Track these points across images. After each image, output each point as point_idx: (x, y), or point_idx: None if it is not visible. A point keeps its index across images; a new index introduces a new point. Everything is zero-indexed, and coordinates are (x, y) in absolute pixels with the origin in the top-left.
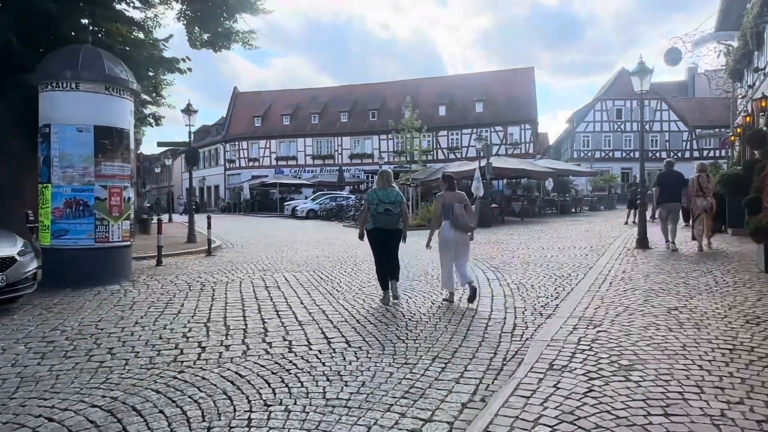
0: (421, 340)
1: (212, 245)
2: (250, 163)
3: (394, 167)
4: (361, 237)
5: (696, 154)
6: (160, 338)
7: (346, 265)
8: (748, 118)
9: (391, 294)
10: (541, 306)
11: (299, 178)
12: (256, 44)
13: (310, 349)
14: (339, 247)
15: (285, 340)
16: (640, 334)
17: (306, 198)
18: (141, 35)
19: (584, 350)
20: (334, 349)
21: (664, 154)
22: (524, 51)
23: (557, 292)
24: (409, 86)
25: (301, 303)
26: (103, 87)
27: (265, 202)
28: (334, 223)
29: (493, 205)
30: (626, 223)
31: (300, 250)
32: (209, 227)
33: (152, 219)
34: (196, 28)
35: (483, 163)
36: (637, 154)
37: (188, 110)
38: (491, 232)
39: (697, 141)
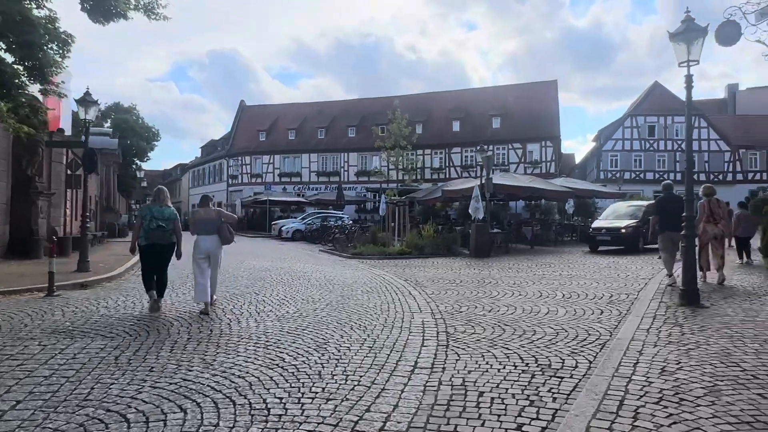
0: None
1: (107, 274)
2: (253, 179)
3: (400, 186)
4: (132, 251)
5: (740, 176)
6: None
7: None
8: None
9: (155, 301)
10: None
11: (302, 195)
12: (165, 14)
13: None
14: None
15: None
16: None
17: (303, 217)
18: None
19: None
20: None
21: (703, 176)
22: (555, 74)
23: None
24: (423, 99)
25: None
26: None
27: (257, 220)
28: (317, 246)
29: (495, 230)
30: (660, 257)
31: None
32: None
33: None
34: None
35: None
36: (672, 176)
37: (85, 101)
38: (484, 266)
39: (741, 162)
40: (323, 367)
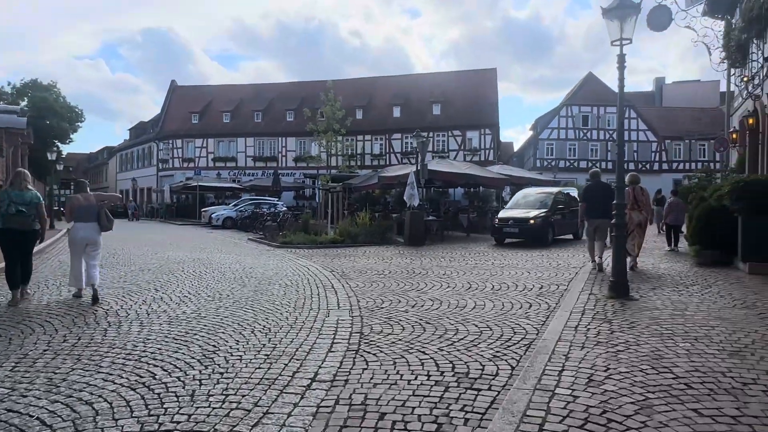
0: None
1: None
2: (185, 164)
3: (340, 172)
4: None
5: (665, 166)
6: None
7: None
8: (751, 120)
9: (20, 294)
10: None
11: (238, 181)
12: None
13: None
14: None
15: None
16: None
17: (235, 203)
18: None
19: None
20: None
21: (632, 165)
22: (495, 64)
23: None
24: (363, 84)
25: None
26: None
27: (188, 207)
28: (248, 234)
29: (430, 217)
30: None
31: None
32: None
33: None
34: None
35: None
36: (604, 165)
37: None
38: (417, 255)
39: (666, 152)
40: (200, 384)
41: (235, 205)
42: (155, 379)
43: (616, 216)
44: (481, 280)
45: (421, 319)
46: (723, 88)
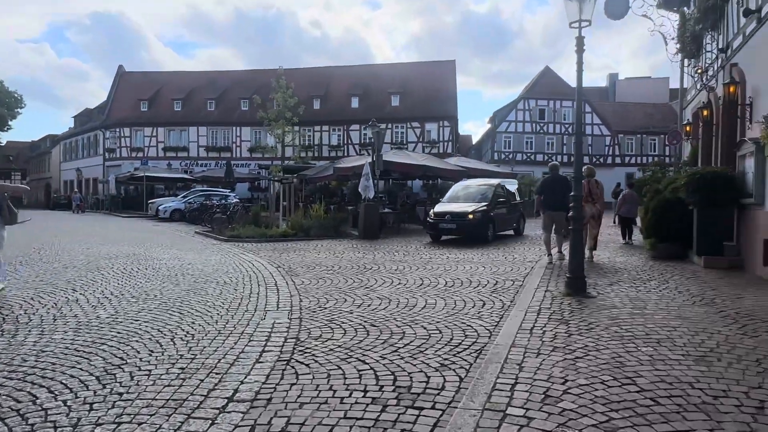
0: None
1: None
2: (133, 153)
3: (290, 162)
4: None
5: (618, 160)
6: None
7: None
8: (705, 112)
9: None
10: None
11: (189, 172)
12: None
13: None
14: None
15: None
16: None
17: (184, 195)
18: None
19: None
20: None
21: (586, 159)
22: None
23: None
24: (321, 74)
25: None
26: None
27: (135, 198)
28: (196, 227)
29: (385, 210)
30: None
31: None
32: None
33: None
34: None
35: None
36: (560, 158)
37: None
38: (370, 249)
39: (619, 146)
40: (90, 410)
41: (184, 197)
42: (35, 404)
43: (573, 209)
44: (434, 276)
45: (365, 321)
46: (672, 84)
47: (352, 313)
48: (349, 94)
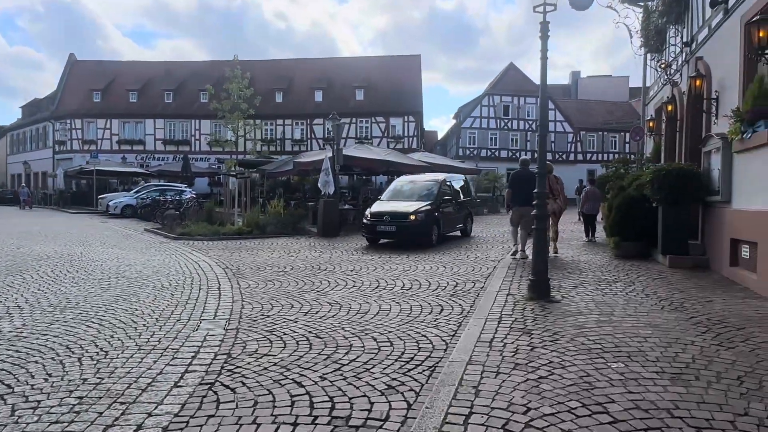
0: None
1: None
2: (86, 146)
3: (256, 157)
4: None
5: (580, 156)
6: None
7: None
8: (669, 107)
9: None
10: None
11: (146, 166)
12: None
13: None
14: None
15: None
16: None
17: (137, 190)
18: None
19: None
20: None
21: (549, 156)
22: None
23: None
24: (284, 66)
25: None
26: None
27: (87, 194)
28: (147, 224)
29: (346, 206)
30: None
31: None
32: None
33: None
34: None
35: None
36: (524, 155)
37: None
38: (328, 247)
39: (581, 143)
40: None
41: (137, 192)
42: None
43: (536, 206)
44: (391, 277)
45: (310, 332)
46: (632, 83)
47: (296, 321)
48: (312, 87)
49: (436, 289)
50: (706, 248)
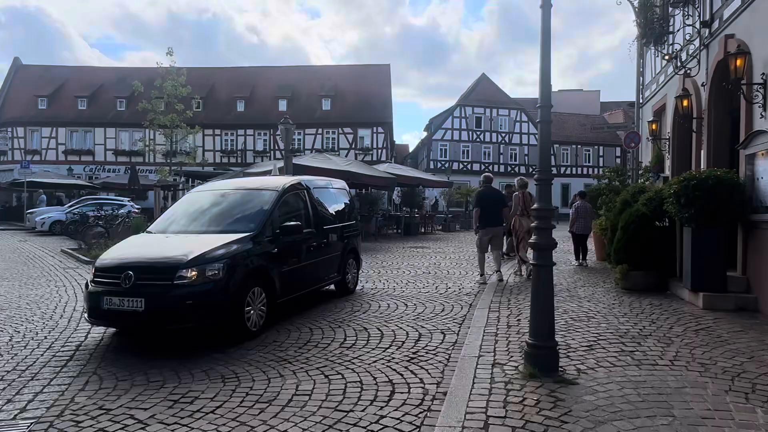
0: None
1: None
2: (29, 156)
3: (215, 169)
4: None
5: (554, 170)
6: None
7: None
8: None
9: None
10: None
11: (94, 178)
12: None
13: None
14: None
15: None
16: None
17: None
18: None
19: None
20: None
21: (523, 169)
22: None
23: None
24: (246, 74)
25: None
26: None
27: (18, 209)
28: (70, 244)
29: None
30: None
31: None
32: None
33: None
34: None
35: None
36: (496, 168)
37: None
38: None
39: (555, 156)
40: None
41: (70, 206)
42: None
43: (538, 233)
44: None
45: None
46: (603, 98)
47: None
48: (276, 96)
49: (388, 348)
50: (752, 283)
